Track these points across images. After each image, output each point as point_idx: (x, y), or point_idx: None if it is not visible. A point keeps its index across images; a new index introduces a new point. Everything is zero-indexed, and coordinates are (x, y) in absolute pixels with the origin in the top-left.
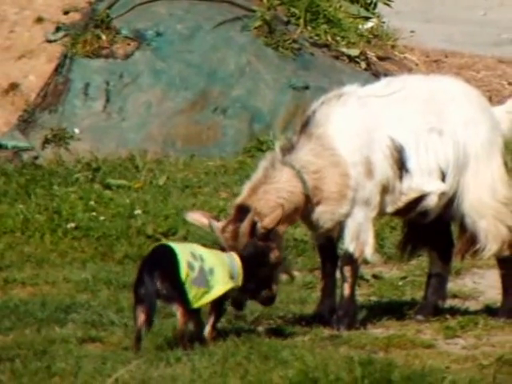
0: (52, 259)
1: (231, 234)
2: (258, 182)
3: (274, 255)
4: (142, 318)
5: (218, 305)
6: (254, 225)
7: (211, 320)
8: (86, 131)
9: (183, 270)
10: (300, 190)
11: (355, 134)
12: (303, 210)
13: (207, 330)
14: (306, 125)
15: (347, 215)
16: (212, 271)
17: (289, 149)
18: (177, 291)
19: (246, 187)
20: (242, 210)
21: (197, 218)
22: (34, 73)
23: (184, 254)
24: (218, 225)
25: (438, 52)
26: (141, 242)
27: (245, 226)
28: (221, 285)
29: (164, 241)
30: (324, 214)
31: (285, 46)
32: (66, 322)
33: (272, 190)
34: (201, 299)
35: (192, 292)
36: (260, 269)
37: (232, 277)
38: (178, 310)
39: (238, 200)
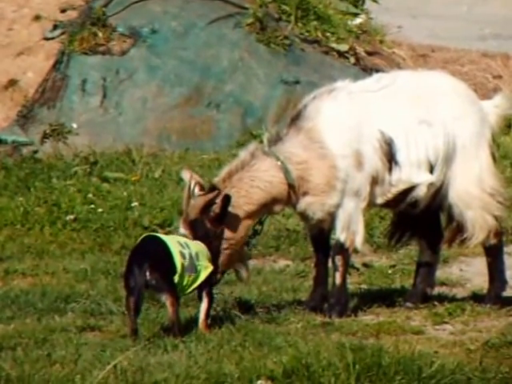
0: (51, 250)
1: (190, 206)
2: (234, 168)
3: (216, 243)
4: (134, 309)
5: (209, 290)
6: (209, 205)
7: (204, 307)
8: (83, 126)
9: (178, 261)
10: (280, 180)
11: (345, 128)
12: (288, 200)
13: (201, 318)
14: (296, 118)
15: (338, 206)
16: (197, 256)
17: (275, 140)
18: (166, 281)
19: (224, 171)
20: (213, 191)
21: (187, 176)
22: (33, 69)
23: (175, 245)
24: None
25: (424, 47)
26: (138, 233)
27: (199, 200)
28: (204, 269)
29: (150, 233)
30: (313, 205)
31: (276, 42)
32: (66, 312)
33: (246, 178)
34: (192, 285)
35: (185, 280)
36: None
37: (210, 260)
38: (167, 300)
39: (214, 180)
